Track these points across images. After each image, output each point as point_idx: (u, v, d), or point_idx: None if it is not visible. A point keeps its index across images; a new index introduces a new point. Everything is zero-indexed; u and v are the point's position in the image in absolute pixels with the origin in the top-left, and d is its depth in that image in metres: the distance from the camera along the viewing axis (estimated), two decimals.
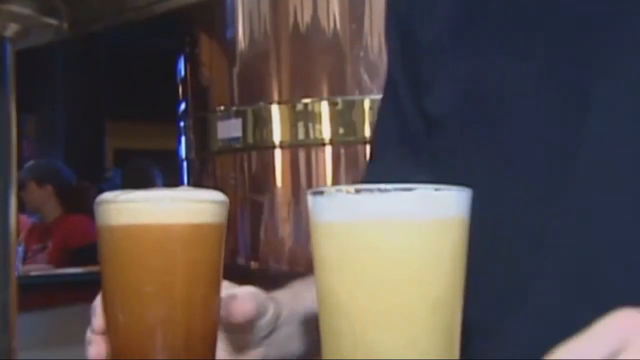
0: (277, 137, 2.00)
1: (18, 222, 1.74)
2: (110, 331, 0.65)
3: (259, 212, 2.03)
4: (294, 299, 0.79)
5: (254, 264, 2.04)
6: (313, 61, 2.00)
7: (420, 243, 0.50)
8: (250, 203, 2.05)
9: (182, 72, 2.35)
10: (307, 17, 1.99)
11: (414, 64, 0.84)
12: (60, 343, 2.72)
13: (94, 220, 0.65)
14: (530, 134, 0.72)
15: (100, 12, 1.76)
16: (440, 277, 0.51)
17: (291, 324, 0.78)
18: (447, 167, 0.77)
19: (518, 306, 0.71)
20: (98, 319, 0.65)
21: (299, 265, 1.91)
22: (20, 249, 3.48)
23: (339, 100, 1.95)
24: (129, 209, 0.63)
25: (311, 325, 0.80)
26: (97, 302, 0.66)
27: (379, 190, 0.50)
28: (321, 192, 0.52)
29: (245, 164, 2.07)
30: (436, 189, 0.51)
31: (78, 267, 3.37)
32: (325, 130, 1.96)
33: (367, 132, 1.92)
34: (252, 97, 2.07)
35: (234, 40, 2.10)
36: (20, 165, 3.06)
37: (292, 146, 2.00)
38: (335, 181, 1.95)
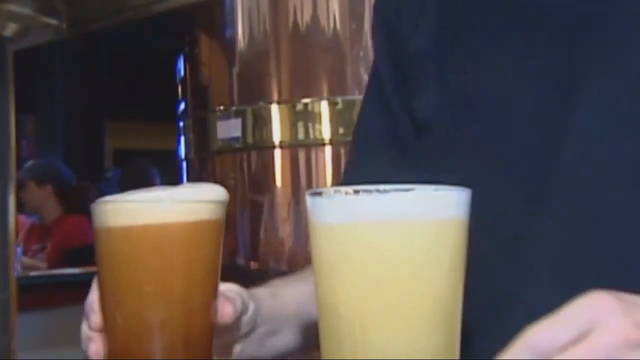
0: (276, 137, 2.00)
1: (17, 223, 1.74)
2: (108, 331, 0.64)
3: (259, 212, 2.03)
4: (273, 296, 0.79)
5: (253, 264, 2.04)
6: (313, 61, 2.00)
7: (420, 243, 0.50)
8: (250, 203, 2.05)
9: (182, 72, 2.35)
10: (307, 16, 1.99)
11: (401, 67, 0.84)
12: (59, 343, 2.72)
13: None
14: (528, 134, 0.72)
15: (99, 12, 1.76)
16: (440, 277, 0.51)
17: (270, 321, 0.77)
18: (436, 168, 0.77)
19: (516, 306, 0.71)
20: (96, 316, 0.65)
21: (299, 266, 1.90)
22: (19, 249, 3.49)
23: (339, 100, 1.95)
24: (127, 209, 0.63)
25: (289, 323, 0.80)
26: (93, 298, 0.66)
27: (378, 191, 0.50)
28: (320, 193, 0.52)
29: (245, 164, 2.07)
30: (436, 190, 0.51)
31: (78, 268, 3.37)
32: (325, 130, 1.96)
33: None
34: (251, 96, 2.06)
35: (233, 40, 2.10)
36: (19, 166, 3.06)
37: (292, 146, 1.99)
38: (335, 181, 1.95)
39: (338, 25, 1.97)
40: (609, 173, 0.68)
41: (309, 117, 1.97)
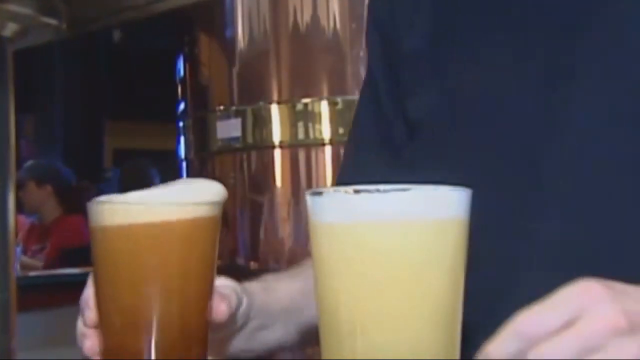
0: (276, 137, 2.00)
1: (17, 223, 1.74)
2: (103, 328, 0.65)
3: (259, 212, 2.03)
4: (266, 291, 0.80)
5: (253, 264, 2.04)
6: (313, 61, 2.00)
7: (420, 243, 0.50)
8: (250, 203, 2.05)
9: (182, 72, 2.35)
10: (307, 16, 1.99)
11: (394, 68, 0.84)
12: (59, 343, 2.72)
13: None
14: (526, 134, 0.72)
15: (99, 12, 1.76)
16: (441, 277, 0.51)
17: (262, 315, 0.78)
18: (431, 168, 0.77)
19: (515, 306, 0.71)
20: (91, 313, 0.65)
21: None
22: (19, 249, 3.48)
23: (339, 100, 1.95)
24: (123, 208, 0.63)
25: (281, 317, 0.80)
26: (88, 295, 0.66)
27: (378, 190, 0.50)
28: (320, 193, 0.52)
29: (245, 164, 2.07)
30: (435, 189, 0.51)
31: (77, 268, 3.37)
32: (325, 130, 1.96)
33: None
34: (251, 96, 2.06)
35: (233, 40, 2.10)
36: (18, 166, 3.06)
37: (291, 146, 1.99)
38: (335, 181, 1.95)
39: (338, 25, 1.97)
40: (608, 173, 0.68)
41: (309, 117, 1.97)
